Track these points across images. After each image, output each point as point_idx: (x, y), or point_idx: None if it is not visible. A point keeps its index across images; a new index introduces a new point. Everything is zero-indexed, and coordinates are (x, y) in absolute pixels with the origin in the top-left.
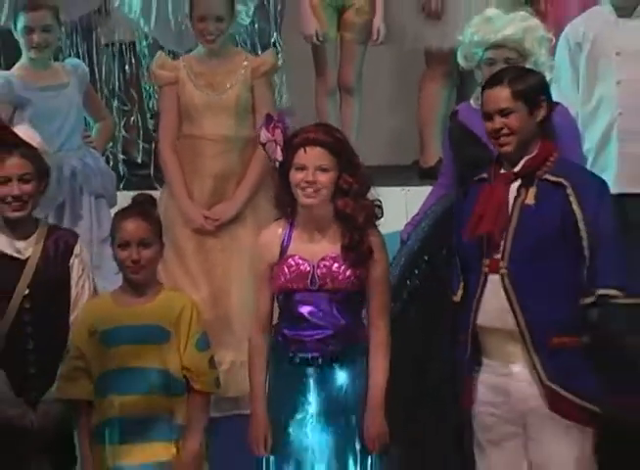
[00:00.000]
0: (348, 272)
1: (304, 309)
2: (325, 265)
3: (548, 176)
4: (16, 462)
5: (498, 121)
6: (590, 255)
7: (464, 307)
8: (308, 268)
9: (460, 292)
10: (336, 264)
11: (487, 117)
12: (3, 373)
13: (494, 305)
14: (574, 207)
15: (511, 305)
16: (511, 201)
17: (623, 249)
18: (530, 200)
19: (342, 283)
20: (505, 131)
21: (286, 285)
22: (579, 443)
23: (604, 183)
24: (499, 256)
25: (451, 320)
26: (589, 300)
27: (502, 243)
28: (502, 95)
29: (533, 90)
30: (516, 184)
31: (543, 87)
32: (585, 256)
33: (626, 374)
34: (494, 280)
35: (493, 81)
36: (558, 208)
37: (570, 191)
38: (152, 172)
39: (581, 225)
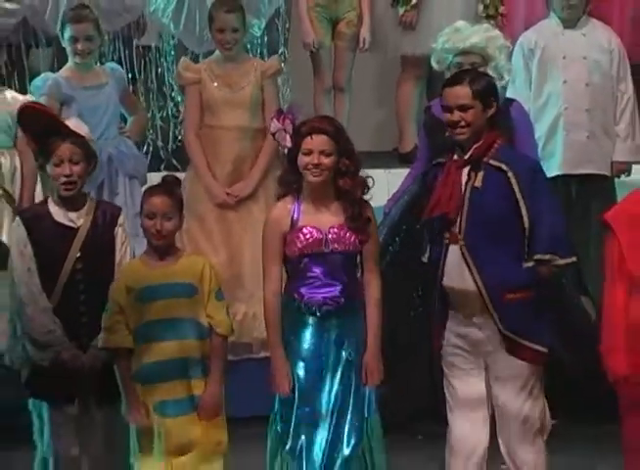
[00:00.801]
0: (353, 237)
1: (318, 270)
2: (334, 232)
3: (492, 162)
4: (68, 398)
5: (457, 115)
6: (529, 226)
7: (433, 272)
8: (321, 235)
9: (427, 254)
10: (342, 231)
11: (447, 109)
12: (59, 322)
13: (456, 270)
14: (515, 188)
15: (469, 270)
16: (464, 184)
17: (560, 219)
18: (478, 183)
19: (348, 246)
20: (462, 123)
21: (302, 250)
22: (532, 378)
23: (538, 166)
24: (457, 230)
25: (421, 280)
26: (529, 264)
27: (459, 219)
28: (462, 93)
29: (488, 91)
30: (467, 169)
31: (494, 90)
32: (537, 226)
33: (564, 319)
34: (454, 250)
35: (455, 80)
36: (501, 189)
37: (510, 175)
38: (163, 155)
39: (521, 203)
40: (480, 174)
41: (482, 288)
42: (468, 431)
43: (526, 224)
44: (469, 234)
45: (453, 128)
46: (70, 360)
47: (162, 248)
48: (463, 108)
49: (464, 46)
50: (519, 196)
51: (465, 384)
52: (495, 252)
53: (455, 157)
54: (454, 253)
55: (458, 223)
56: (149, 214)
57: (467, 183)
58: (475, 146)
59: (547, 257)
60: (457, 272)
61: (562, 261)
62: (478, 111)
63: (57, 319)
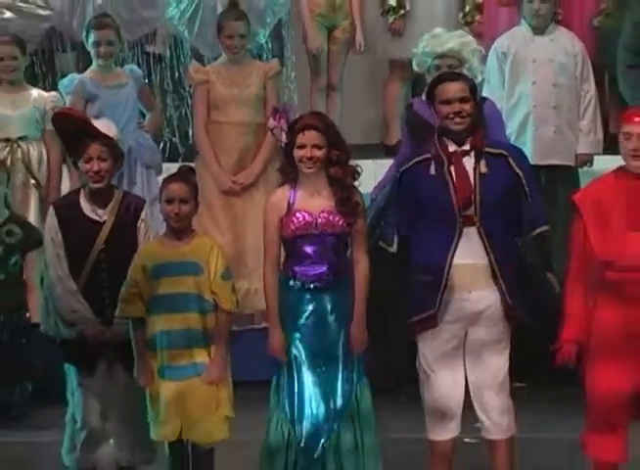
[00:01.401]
0: (341, 221)
1: (309, 249)
2: (324, 216)
3: (489, 150)
4: (94, 365)
5: (458, 106)
6: (530, 203)
7: (430, 254)
8: (312, 218)
9: (396, 245)
10: (332, 215)
11: (447, 102)
12: (85, 302)
13: (467, 248)
14: (517, 170)
15: (485, 247)
16: (469, 171)
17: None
18: (484, 169)
19: (336, 229)
20: (463, 114)
21: (295, 232)
22: (507, 342)
23: (524, 152)
24: (471, 212)
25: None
26: (535, 232)
27: (472, 203)
28: (462, 87)
29: (476, 89)
30: (467, 159)
31: (476, 89)
32: (527, 204)
33: (533, 292)
34: (470, 231)
35: (453, 77)
36: (504, 172)
37: (510, 159)
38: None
39: (524, 182)
40: (483, 162)
41: (494, 262)
42: (446, 393)
43: (530, 200)
44: (482, 216)
45: (452, 119)
46: (94, 336)
47: (180, 229)
48: (463, 100)
49: (441, 50)
50: (522, 176)
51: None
52: (501, 228)
53: (452, 148)
54: (469, 234)
55: (472, 207)
56: (167, 200)
57: (474, 170)
58: (472, 137)
59: (545, 228)
60: (469, 251)
61: (548, 229)
62: (473, 104)
63: (82, 300)
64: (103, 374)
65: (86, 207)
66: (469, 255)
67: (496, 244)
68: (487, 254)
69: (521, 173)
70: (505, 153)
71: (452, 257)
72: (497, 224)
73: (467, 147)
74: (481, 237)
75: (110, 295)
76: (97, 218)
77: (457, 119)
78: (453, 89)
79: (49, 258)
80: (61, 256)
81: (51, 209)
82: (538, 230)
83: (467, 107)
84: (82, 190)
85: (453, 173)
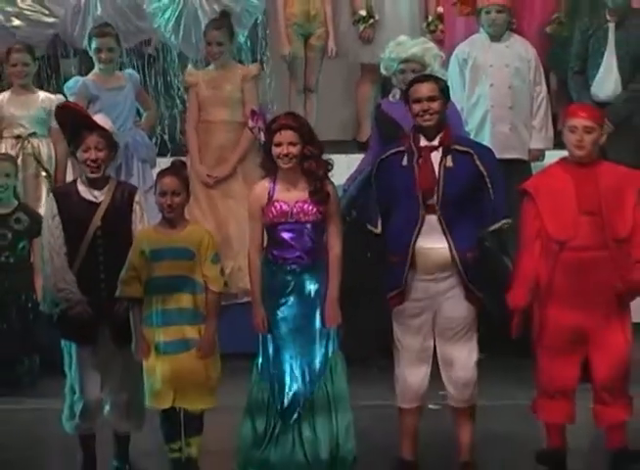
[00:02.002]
0: (315, 209)
1: (286, 235)
2: (299, 206)
3: (457, 147)
4: (90, 340)
5: (426, 104)
6: (492, 198)
7: (398, 238)
8: (288, 208)
9: (380, 227)
10: (306, 205)
11: (417, 101)
12: (74, 281)
13: (430, 234)
14: (481, 167)
15: (444, 233)
16: (436, 165)
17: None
18: (450, 163)
19: (310, 217)
20: (430, 111)
21: (273, 220)
22: (473, 320)
23: (492, 151)
24: (433, 202)
25: (374, 244)
26: (496, 226)
27: (435, 193)
28: (431, 87)
29: (446, 90)
30: (435, 153)
31: (448, 90)
32: (486, 199)
33: (492, 273)
34: (431, 219)
35: (423, 79)
36: (469, 168)
37: (475, 157)
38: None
39: (487, 179)
40: (450, 157)
41: (453, 248)
42: (416, 364)
43: (492, 196)
44: (443, 205)
45: (422, 116)
46: (76, 315)
47: (173, 219)
48: (432, 98)
49: (406, 55)
50: (485, 173)
51: (414, 322)
52: (461, 219)
53: (423, 143)
54: (430, 221)
55: (435, 197)
56: (161, 192)
57: (440, 164)
58: (440, 134)
59: (505, 220)
60: (431, 236)
61: (509, 222)
62: (441, 103)
63: (70, 278)
64: (99, 348)
65: (83, 190)
66: (430, 240)
67: (455, 232)
68: (447, 240)
69: (484, 171)
70: (471, 151)
71: (415, 241)
72: (457, 214)
73: (436, 143)
74: (441, 225)
75: (106, 271)
76: (93, 200)
77: (426, 117)
78: (422, 89)
79: (45, 240)
80: (55, 235)
81: (50, 195)
82: (499, 224)
83: (435, 105)
84: (79, 179)
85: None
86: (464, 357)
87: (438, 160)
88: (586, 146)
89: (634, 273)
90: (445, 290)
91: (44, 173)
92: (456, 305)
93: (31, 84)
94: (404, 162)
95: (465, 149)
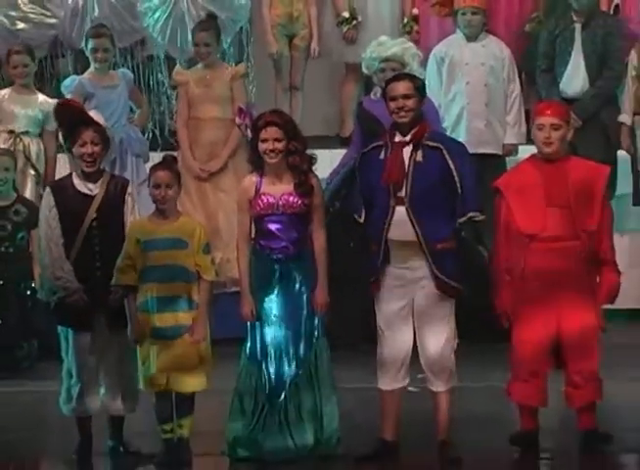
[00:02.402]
0: (299, 202)
1: (273, 227)
2: (284, 198)
3: (428, 142)
4: (86, 326)
5: (401, 102)
6: (460, 192)
7: (375, 228)
8: (274, 200)
9: (364, 217)
10: (291, 197)
11: (393, 99)
12: (70, 270)
13: (400, 225)
14: (449, 162)
15: (412, 225)
16: (407, 159)
17: (477, 185)
18: (420, 158)
19: (295, 208)
20: (406, 108)
21: (260, 212)
22: (449, 308)
23: (463, 145)
24: (402, 194)
25: (357, 234)
26: (464, 219)
27: (404, 186)
28: (407, 85)
29: (422, 88)
30: (407, 148)
31: (424, 87)
32: (458, 193)
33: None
34: (400, 210)
35: (400, 77)
36: (438, 163)
37: (445, 152)
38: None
39: (454, 173)
40: (420, 152)
41: (422, 239)
42: (396, 349)
43: (459, 190)
44: (412, 198)
45: (397, 113)
46: (73, 302)
47: (166, 210)
48: (407, 96)
49: (386, 55)
50: (452, 168)
51: (394, 308)
52: (431, 211)
53: (397, 139)
54: (400, 213)
55: (404, 190)
56: (155, 185)
57: (410, 159)
58: (414, 130)
59: (474, 213)
60: (401, 227)
61: (481, 217)
62: (416, 100)
63: (67, 267)
64: (95, 334)
65: (79, 183)
66: (400, 231)
67: (426, 224)
68: (415, 231)
69: (453, 166)
70: (441, 146)
71: (387, 231)
72: (428, 207)
73: (408, 138)
74: (409, 216)
75: (101, 260)
76: (88, 192)
77: (401, 113)
78: (398, 87)
79: (42, 231)
80: (53, 226)
81: (47, 188)
82: (465, 217)
83: (409, 102)
84: (74, 173)
85: None
86: (441, 343)
87: (409, 154)
88: (554, 142)
89: (608, 275)
90: (419, 278)
91: (33, 172)
92: (430, 294)
93: (32, 84)
94: (381, 156)
95: (435, 144)
